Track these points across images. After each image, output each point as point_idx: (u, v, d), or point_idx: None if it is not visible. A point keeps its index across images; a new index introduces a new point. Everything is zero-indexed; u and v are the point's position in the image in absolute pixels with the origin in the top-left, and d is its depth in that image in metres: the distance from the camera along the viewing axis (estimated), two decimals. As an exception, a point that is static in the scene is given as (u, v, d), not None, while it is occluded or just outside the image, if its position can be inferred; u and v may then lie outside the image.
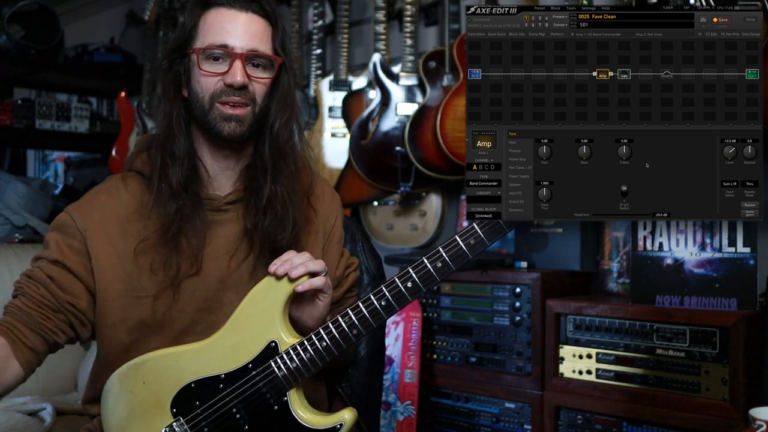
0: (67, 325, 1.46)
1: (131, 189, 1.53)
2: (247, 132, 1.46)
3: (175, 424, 1.42)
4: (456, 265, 1.35)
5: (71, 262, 1.46)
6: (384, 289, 1.37)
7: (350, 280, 1.65)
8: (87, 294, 1.47)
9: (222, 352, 1.42)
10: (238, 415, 1.41)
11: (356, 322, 1.38)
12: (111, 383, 1.47)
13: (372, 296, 1.37)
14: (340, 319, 1.38)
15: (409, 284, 1.36)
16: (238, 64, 1.43)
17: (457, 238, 1.34)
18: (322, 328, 1.39)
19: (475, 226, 1.33)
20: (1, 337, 1.40)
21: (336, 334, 1.38)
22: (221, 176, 1.52)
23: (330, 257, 1.59)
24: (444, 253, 1.34)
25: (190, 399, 1.42)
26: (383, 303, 1.37)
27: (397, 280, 1.37)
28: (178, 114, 1.49)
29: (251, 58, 1.45)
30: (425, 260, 1.35)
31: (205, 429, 1.40)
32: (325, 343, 1.38)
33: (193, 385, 1.42)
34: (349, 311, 1.38)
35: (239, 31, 1.45)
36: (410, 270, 1.36)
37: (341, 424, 1.39)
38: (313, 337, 1.39)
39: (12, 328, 1.41)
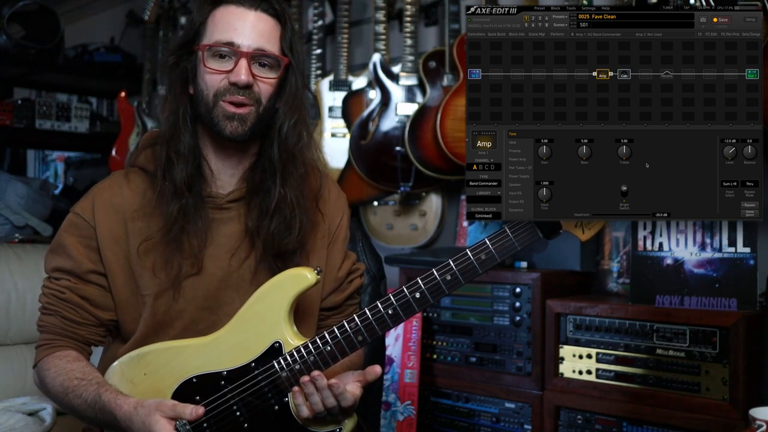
0: (108, 331, 1.55)
1: (134, 186, 1.52)
2: (249, 132, 1.45)
3: None
4: (466, 279, 1.34)
5: (99, 267, 1.49)
6: (392, 297, 1.37)
7: (353, 287, 1.63)
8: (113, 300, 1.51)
9: (225, 348, 1.42)
10: (238, 413, 1.41)
11: (362, 329, 1.38)
12: (112, 372, 1.47)
13: (379, 304, 1.37)
14: (345, 324, 1.38)
15: (418, 295, 1.36)
16: (243, 62, 1.41)
17: (468, 253, 1.34)
18: (328, 333, 1.39)
19: (487, 241, 1.33)
20: (70, 351, 1.49)
21: (341, 339, 1.38)
22: (224, 175, 1.51)
23: (333, 256, 1.58)
24: (454, 267, 1.34)
25: (191, 393, 1.42)
26: (390, 312, 1.37)
27: (405, 289, 1.36)
28: (184, 111, 1.47)
29: (257, 57, 1.43)
30: (435, 272, 1.35)
31: (204, 425, 1.40)
32: (329, 348, 1.38)
33: (194, 380, 1.42)
34: (356, 317, 1.38)
35: (247, 29, 1.43)
36: (419, 281, 1.36)
37: (340, 429, 1.40)
38: (318, 341, 1.39)
39: (63, 346, 1.50)
